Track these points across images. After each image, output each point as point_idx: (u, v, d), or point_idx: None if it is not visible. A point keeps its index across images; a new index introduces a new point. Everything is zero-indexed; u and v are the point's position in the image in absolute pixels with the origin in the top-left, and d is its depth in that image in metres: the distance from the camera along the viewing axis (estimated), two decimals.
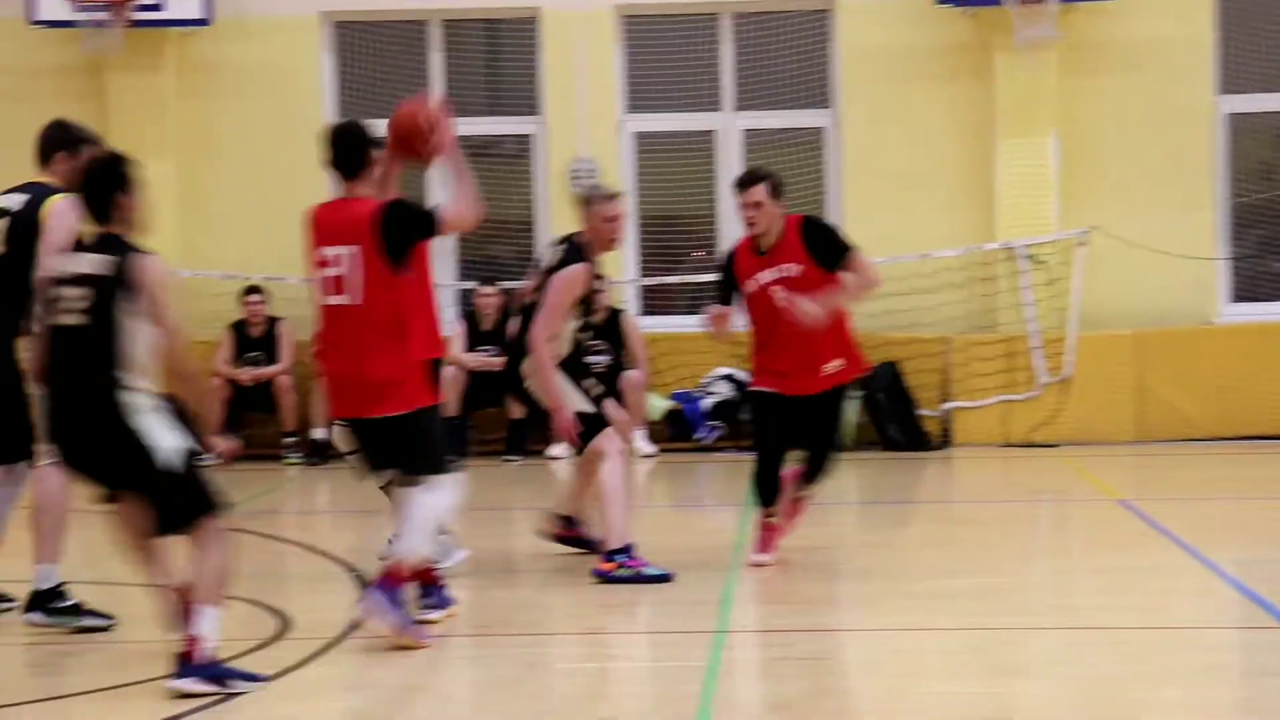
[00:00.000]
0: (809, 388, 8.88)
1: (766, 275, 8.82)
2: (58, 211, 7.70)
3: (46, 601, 7.77)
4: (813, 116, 15.81)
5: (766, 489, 9.02)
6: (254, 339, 15.00)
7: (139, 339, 6.59)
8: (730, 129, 15.82)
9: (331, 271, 7.28)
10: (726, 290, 9.06)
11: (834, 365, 8.88)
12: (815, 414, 8.96)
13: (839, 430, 9.08)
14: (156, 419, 6.60)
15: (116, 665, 7.08)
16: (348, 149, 7.43)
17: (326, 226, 7.37)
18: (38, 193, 7.85)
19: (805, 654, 7.02)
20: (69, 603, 7.79)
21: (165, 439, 6.57)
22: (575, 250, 8.82)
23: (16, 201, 7.86)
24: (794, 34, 15.74)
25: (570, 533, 9.31)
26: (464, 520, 8.47)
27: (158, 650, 7.13)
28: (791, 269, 8.78)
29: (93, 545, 10.32)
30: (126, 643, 7.54)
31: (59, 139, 8.02)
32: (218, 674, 6.49)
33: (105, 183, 6.81)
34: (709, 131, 15.88)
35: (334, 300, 7.29)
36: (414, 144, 7.50)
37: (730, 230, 15.43)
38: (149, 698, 6.45)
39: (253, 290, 14.98)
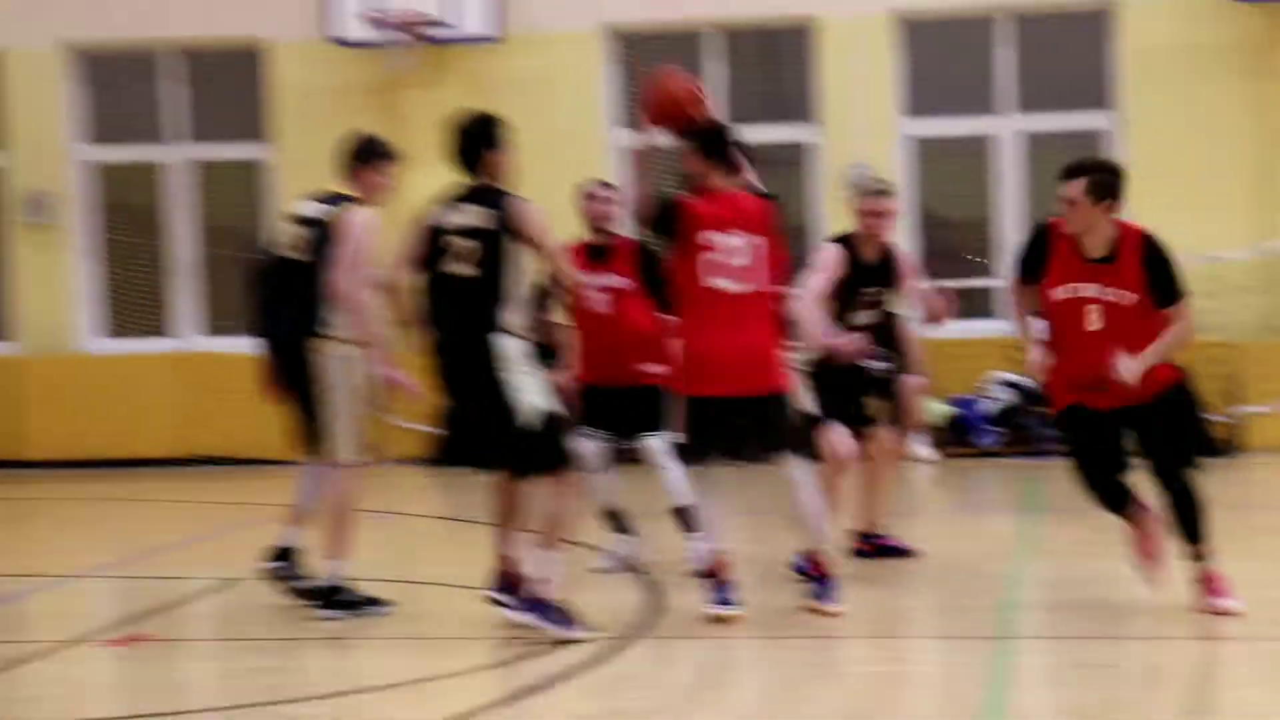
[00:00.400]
0: (1117, 400, 7.42)
1: (1088, 289, 7.31)
2: (359, 223, 7.93)
3: (333, 595, 7.98)
4: (1093, 118, 15.42)
5: (1109, 498, 7.75)
6: None
7: (519, 285, 7.26)
8: (1008, 132, 15.51)
9: (721, 258, 7.52)
10: (1030, 270, 7.56)
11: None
12: (1141, 426, 7.48)
13: (1175, 439, 7.51)
14: (526, 371, 7.22)
15: (410, 659, 7.19)
16: (723, 146, 7.76)
17: (717, 217, 7.56)
18: (336, 201, 8.07)
19: (1095, 661, 6.78)
20: (354, 596, 8.01)
21: (529, 397, 7.18)
22: (840, 237, 8.75)
23: (321, 210, 8.07)
24: (1074, 35, 15.38)
25: (874, 545, 9.13)
26: (754, 523, 8.42)
27: (449, 645, 7.24)
28: (1122, 295, 7.27)
29: (388, 544, 10.56)
30: (420, 639, 7.65)
31: (362, 152, 8.23)
32: (539, 610, 7.13)
33: (475, 139, 7.55)
34: (987, 135, 15.59)
35: (730, 285, 7.53)
36: (683, 113, 7.63)
37: (1009, 235, 15.16)
38: (444, 692, 6.52)
39: None
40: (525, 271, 7.32)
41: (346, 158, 8.21)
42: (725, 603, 7.64)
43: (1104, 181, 7.25)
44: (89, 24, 16.06)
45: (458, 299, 7.29)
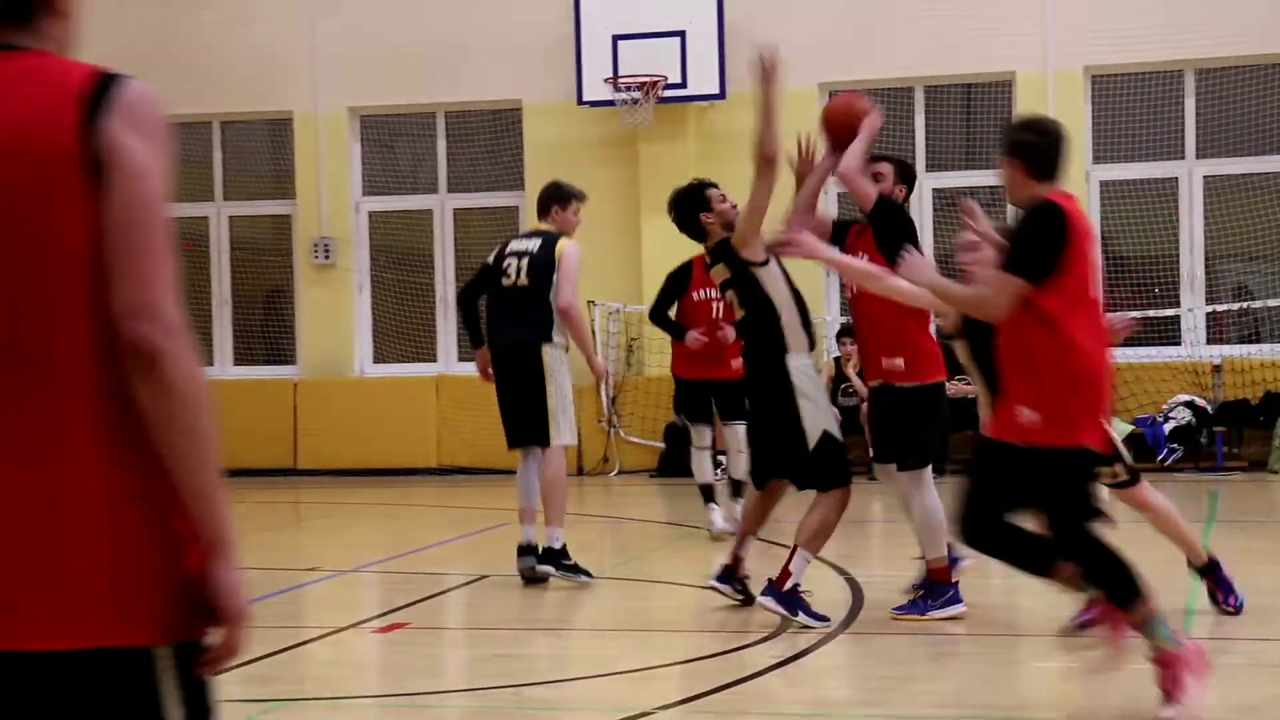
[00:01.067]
0: (996, 430, 5.60)
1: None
2: (569, 253, 8.63)
3: (559, 558, 8.47)
4: (1272, 162, 14.92)
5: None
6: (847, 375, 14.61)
7: (782, 327, 7.29)
8: (1192, 175, 15.08)
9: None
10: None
11: (1031, 415, 5.39)
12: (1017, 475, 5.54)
13: (1056, 509, 5.56)
14: (812, 396, 7.27)
15: (634, 648, 7.20)
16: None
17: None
18: (547, 237, 8.71)
19: (1269, 661, 6.55)
20: (572, 561, 8.47)
21: (814, 421, 7.22)
22: None
23: (533, 245, 8.72)
24: (1254, 86, 14.91)
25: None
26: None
27: (668, 637, 7.22)
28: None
29: (616, 545, 10.59)
30: (642, 630, 7.66)
31: (555, 195, 8.90)
32: (792, 603, 7.15)
33: (690, 205, 7.66)
34: (1171, 178, 15.18)
35: None
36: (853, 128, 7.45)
37: (1194, 269, 14.75)
38: (665, 679, 6.50)
39: (844, 333, 14.32)
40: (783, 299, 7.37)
41: (545, 201, 8.89)
42: (954, 601, 7.45)
43: (1008, 140, 5.84)
44: (373, 91, 16.50)
45: (745, 336, 7.58)
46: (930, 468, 7.48)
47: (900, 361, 7.34)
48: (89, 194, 2.31)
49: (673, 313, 10.54)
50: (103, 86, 2.35)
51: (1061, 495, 5.47)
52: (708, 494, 10.35)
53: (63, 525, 2.30)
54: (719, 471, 10.85)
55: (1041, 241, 5.43)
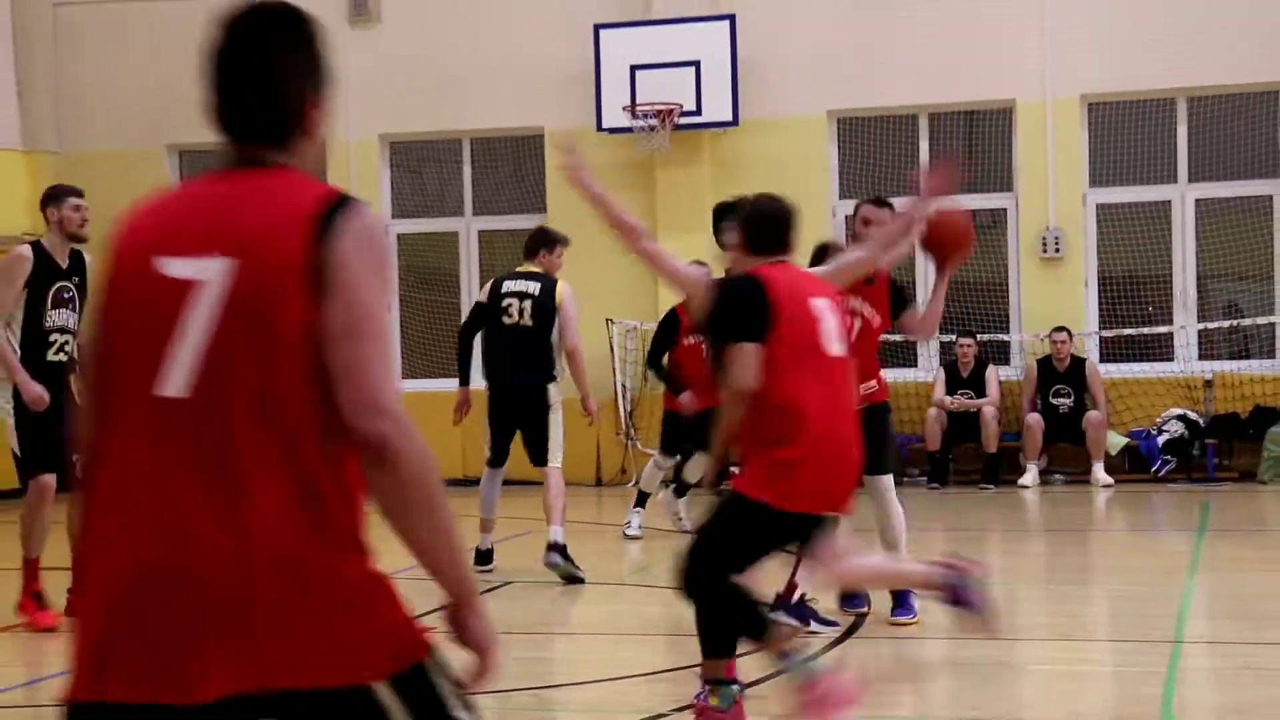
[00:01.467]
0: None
1: None
2: (569, 298, 9.09)
3: (564, 551, 8.95)
4: (1261, 186, 14.90)
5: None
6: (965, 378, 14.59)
7: None
8: (1184, 199, 15.06)
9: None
10: None
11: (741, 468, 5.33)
12: None
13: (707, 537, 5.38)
14: None
15: (652, 652, 7.16)
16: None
17: None
18: (545, 281, 9.08)
19: (1259, 665, 6.52)
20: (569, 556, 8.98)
21: None
22: None
23: (532, 287, 9.08)
24: (1244, 112, 14.89)
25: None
26: (950, 540, 8.27)
27: (685, 641, 7.21)
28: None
29: (626, 553, 10.59)
30: (658, 635, 7.65)
31: (543, 240, 9.24)
32: (803, 614, 7.19)
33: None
34: (1165, 201, 15.16)
35: None
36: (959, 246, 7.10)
37: (1186, 288, 14.71)
38: (682, 682, 6.49)
39: None
40: None
41: (534, 245, 9.18)
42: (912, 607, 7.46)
43: (742, 210, 5.80)
44: (402, 119, 16.56)
45: None
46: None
47: (874, 384, 7.50)
48: (309, 302, 2.46)
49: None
50: (335, 207, 2.51)
51: (724, 530, 5.24)
52: (642, 500, 11.13)
53: (305, 584, 2.49)
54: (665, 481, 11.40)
55: (725, 313, 5.35)
